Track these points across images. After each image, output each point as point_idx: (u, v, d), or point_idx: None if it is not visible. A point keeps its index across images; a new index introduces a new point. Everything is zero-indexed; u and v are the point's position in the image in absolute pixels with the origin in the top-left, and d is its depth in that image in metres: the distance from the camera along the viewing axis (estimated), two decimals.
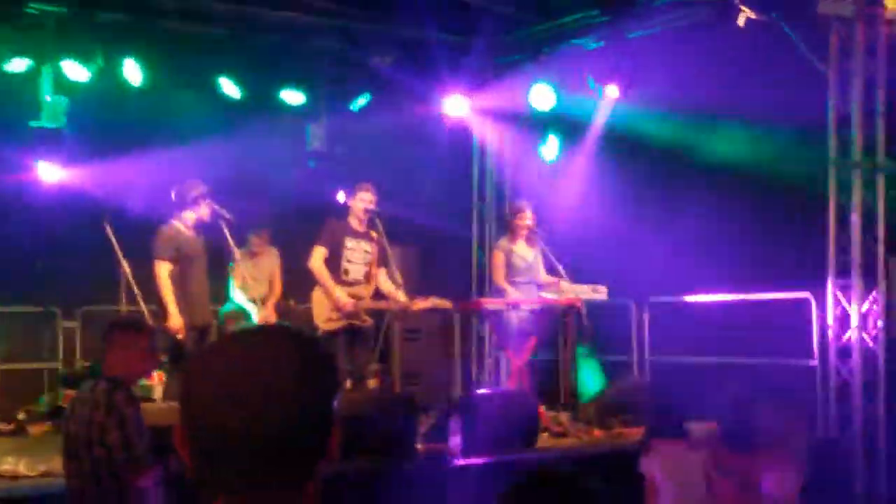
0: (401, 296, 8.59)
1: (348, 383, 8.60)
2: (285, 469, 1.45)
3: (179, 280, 8.05)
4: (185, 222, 8.18)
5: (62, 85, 9.60)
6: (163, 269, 8.00)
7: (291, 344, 1.50)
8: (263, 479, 1.44)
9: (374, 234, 8.72)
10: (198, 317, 8.18)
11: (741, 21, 8.85)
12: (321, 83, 10.84)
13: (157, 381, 8.56)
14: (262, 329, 1.56)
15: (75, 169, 10.01)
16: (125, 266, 8.76)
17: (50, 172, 9.95)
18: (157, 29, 9.67)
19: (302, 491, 1.48)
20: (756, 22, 8.87)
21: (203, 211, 8.21)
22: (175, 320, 7.91)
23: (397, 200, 10.41)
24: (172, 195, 8.24)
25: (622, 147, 10.83)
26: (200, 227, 8.34)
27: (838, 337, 8.62)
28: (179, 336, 7.95)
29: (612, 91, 10.45)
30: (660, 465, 5.98)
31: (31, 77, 9.54)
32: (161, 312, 8.05)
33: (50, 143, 9.72)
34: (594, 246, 10.47)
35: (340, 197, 9.45)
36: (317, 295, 8.66)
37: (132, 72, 9.67)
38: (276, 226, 10.19)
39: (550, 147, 11.77)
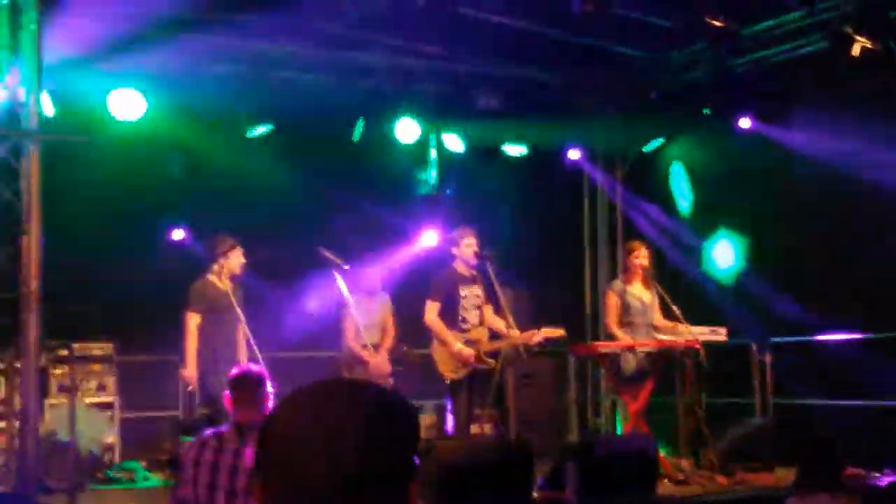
0: (513, 332, 8.53)
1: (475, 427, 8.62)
2: None
3: (205, 332, 8.33)
4: (218, 276, 8.42)
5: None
6: (190, 321, 8.33)
7: (357, 396, 1.52)
8: None
9: (478, 274, 8.74)
10: (221, 366, 8.08)
11: (856, 51, 8.56)
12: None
13: None
14: (330, 382, 1.57)
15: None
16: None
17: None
18: None
19: None
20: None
21: (233, 264, 8.44)
22: (189, 370, 8.26)
23: (509, 243, 10.37)
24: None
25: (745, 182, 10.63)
26: (239, 280, 8.57)
27: None
28: (190, 387, 8.48)
29: (745, 122, 10.62)
30: None
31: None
32: (181, 361, 8.41)
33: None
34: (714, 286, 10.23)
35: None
36: (437, 346, 8.71)
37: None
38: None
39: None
